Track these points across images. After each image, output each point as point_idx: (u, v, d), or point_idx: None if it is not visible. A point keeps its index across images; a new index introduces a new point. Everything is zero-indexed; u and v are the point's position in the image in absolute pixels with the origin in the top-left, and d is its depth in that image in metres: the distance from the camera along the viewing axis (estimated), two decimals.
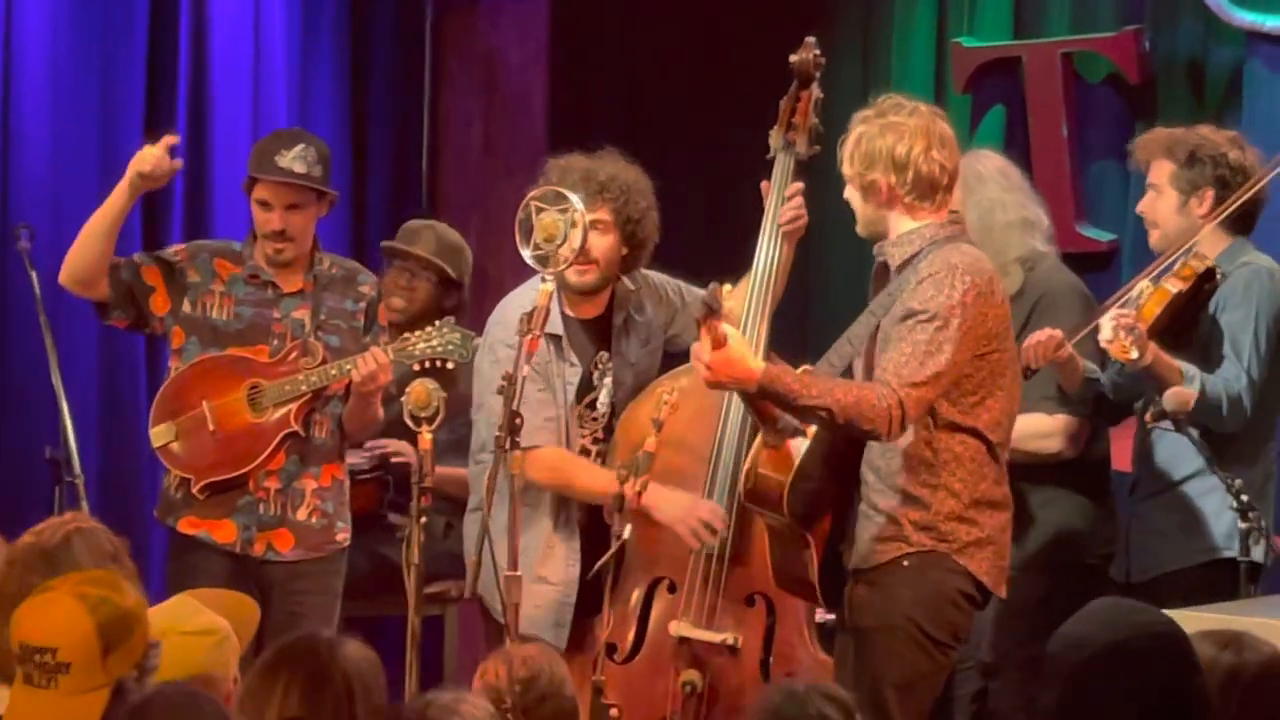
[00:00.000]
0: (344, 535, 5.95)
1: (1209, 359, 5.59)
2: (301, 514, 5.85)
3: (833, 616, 5.22)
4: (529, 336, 5.05)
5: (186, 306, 5.88)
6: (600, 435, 5.68)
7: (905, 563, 4.89)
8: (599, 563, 5.27)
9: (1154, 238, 5.78)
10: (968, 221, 5.19)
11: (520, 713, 4.00)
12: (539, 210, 5.14)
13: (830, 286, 7.36)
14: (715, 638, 5.47)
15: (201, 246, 6.06)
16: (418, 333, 5.78)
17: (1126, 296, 5.60)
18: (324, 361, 5.82)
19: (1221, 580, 5.43)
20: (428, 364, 5.70)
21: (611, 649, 5.45)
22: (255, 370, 5.83)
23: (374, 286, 6.05)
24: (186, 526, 5.84)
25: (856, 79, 7.33)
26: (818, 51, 5.49)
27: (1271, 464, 5.70)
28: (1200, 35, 6.92)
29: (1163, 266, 5.63)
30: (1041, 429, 5.73)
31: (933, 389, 4.79)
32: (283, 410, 5.80)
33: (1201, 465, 5.50)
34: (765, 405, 4.88)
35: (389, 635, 5.80)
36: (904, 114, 4.95)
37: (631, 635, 5.55)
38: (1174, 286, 5.50)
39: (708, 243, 7.02)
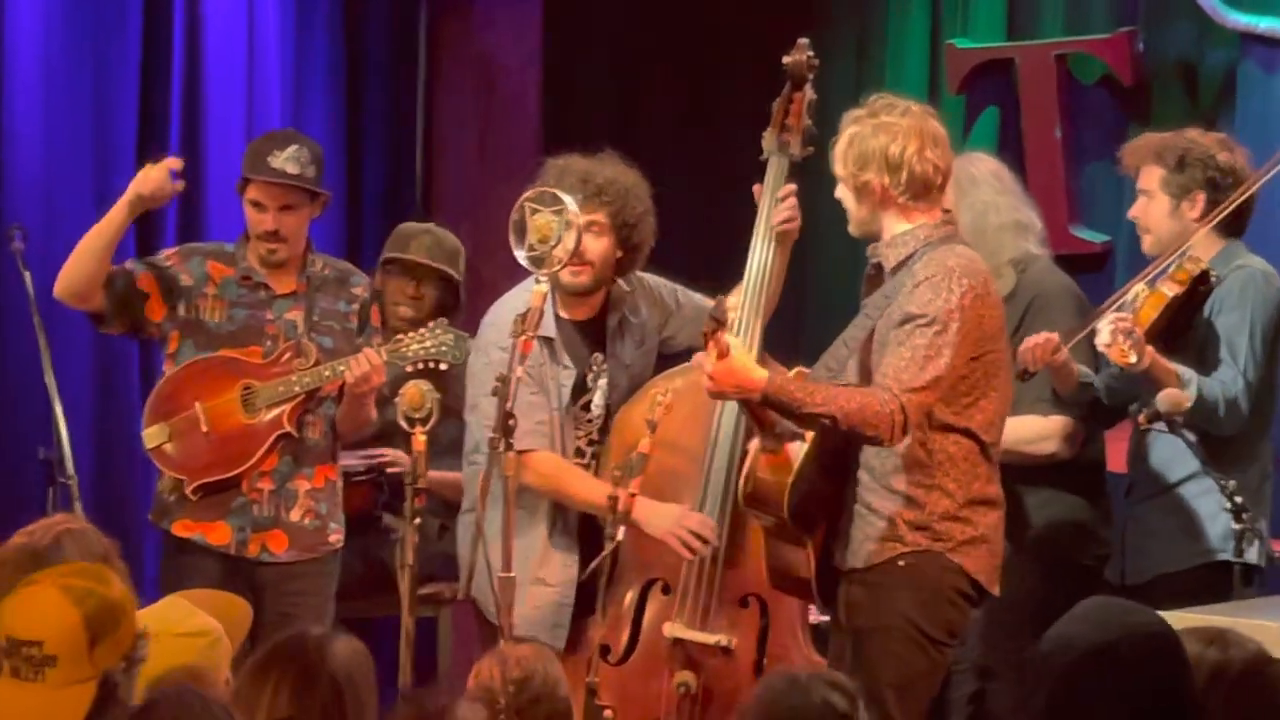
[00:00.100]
0: (337, 536, 5.94)
1: (1205, 362, 5.59)
2: (295, 515, 5.84)
3: (827, 618, 5.22)
4: (523, 337, 5.05)
5: (181, 310, 5.87)
6: (595, 437, 5.67)
7: (901, 563, 4.89)
8: (593, 564, 5.28)
9: (1147, 243, 5.78)
10: (961, 224, 5.19)
11: (514, 713, 4.00)
12: (533, 211, 5.13)
13: (823, 288, 7.35)
14: (709, 639, 5.47)
15: (193, 249, 6.05)
16: (411, 334, 5.78)
17: (1121, 300, 5.60)
18: (317, 363, 5.81)
19: (1217, 582, 5.44)
20: (421, 365, 5.70)
21: (605, 650, 5.44)
22: (248, 371, 5.82)
23: (367, 288, 6.04)
24: (181, 529, 5.83)
25: (850, 80, 7.32)
26: (811, 53, 5.48)
27: (1268, 465, 5.70)
28: (1193, 37, 6.92)
29: (1157, 270, 5.64)
30: (1037, 431, 5.73)
31: (932, 393, 4.79)
32: (276, 411, 5.79)
33: (1197, 467, 5.50)
34: (764, 412, 4.88)
35: (383, 636, 5.79)
36: (896, 114, 4.94)
37: (625, 637, 5.54)
38: (1170, 290, 5.50)
39: (701, 245, 7.01)
